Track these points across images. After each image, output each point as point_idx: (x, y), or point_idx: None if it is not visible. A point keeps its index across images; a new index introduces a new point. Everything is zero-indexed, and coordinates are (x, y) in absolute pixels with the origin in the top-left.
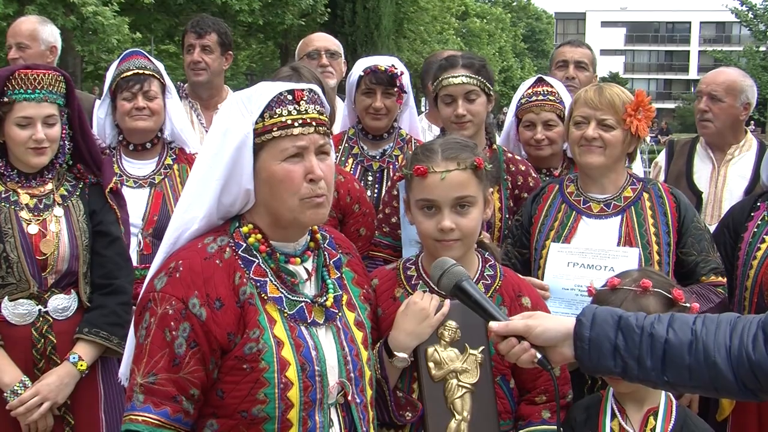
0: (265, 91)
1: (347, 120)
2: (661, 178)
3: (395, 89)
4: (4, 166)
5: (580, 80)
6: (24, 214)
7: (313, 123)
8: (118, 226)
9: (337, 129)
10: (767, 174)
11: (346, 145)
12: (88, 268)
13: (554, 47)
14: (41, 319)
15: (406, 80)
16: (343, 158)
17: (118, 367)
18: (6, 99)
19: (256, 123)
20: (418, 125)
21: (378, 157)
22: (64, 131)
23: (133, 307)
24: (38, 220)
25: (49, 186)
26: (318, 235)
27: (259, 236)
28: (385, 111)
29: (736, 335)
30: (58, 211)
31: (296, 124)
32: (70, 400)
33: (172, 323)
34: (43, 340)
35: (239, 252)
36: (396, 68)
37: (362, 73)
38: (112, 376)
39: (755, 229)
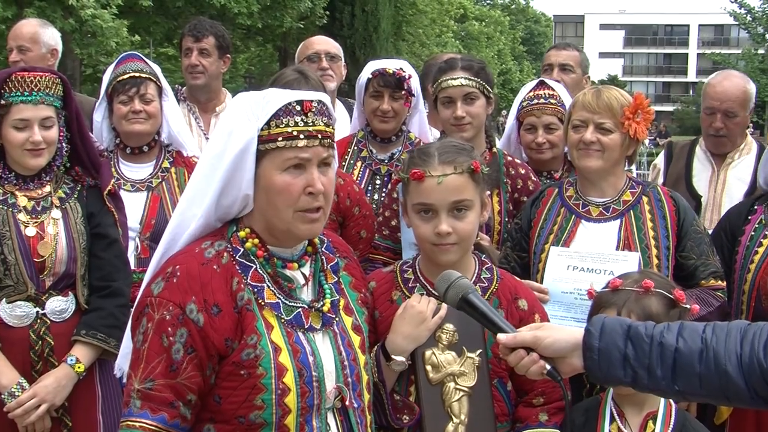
0: (275, 98)
1: (357, 122)
2: (660, 180)
3: (403, 92)
4: (2, 169)
5: (566, 83)
6: (22, 217)
7: (319, 135)
8: (116, 228)
9: (338, 131)
10: (764, 177)
11: (355, 148)
12: (86, 271)
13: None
14: (39, 321)
15: (414, 83)
16: (351, 161)
17: None
18: (3, 101)
19: (262, 130)
20: (427, 129)
21: (386, 161)
22: (61, 134)
23: (131, 310)
24: (36, 222)
25: (47, 188)
26: (315, 240)
27: (256, 241)
28: (392, 114)
29: (746, 343)
30: (56, 213)
31: (302, 136)
32: (68, 402)
33: (169, 329)
34: (40, 342)
35: (237, 257)
36: (404, 71)
37: (370, 76)
38: (109, 378)
39: (752, 233)
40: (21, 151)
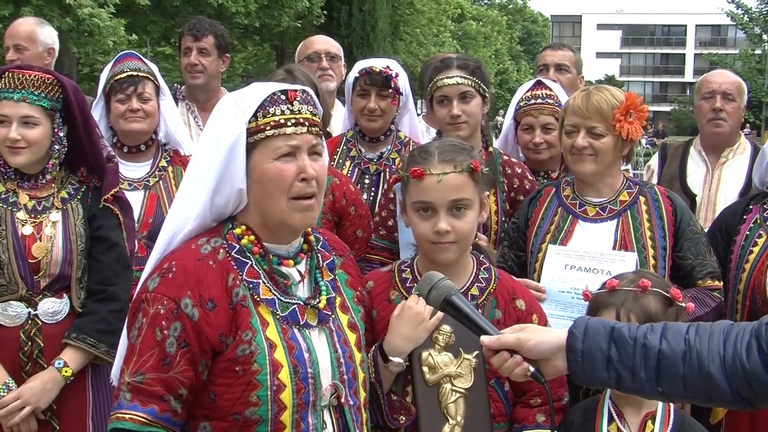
0: (259, 91)
1: (347, 122)
2: (654, 181)
3: (390, 90)
4: (3, 164)
5: (562, 83)
6: (20, 215)
7: (306, 123)
8: (119, 231)
9: (337, 131)
10: (759, 177)
11: (344, 147)
12: (84, 273)
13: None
14: (30, 321)
15: (402, 82)
16: (340, 161)
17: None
18: None
19: (249, 122)
20: (418, 128)
21: (375, 160)
22: (55, 135)
23: None
24: (34, 222)
25: (51, 189)
26: (311, 237)
27: (252, 237)
28: (379, 112)
29: (729, 344)
30: (55, 215)
31: (289, 123)
32: (57, 405)
33: (163, 322)
34: (30, 343)
35: (232, 253)
36: (391, 69)
37: (358, 75)
38: (102, 384)
39: (747, 232)
40: (3, 147)
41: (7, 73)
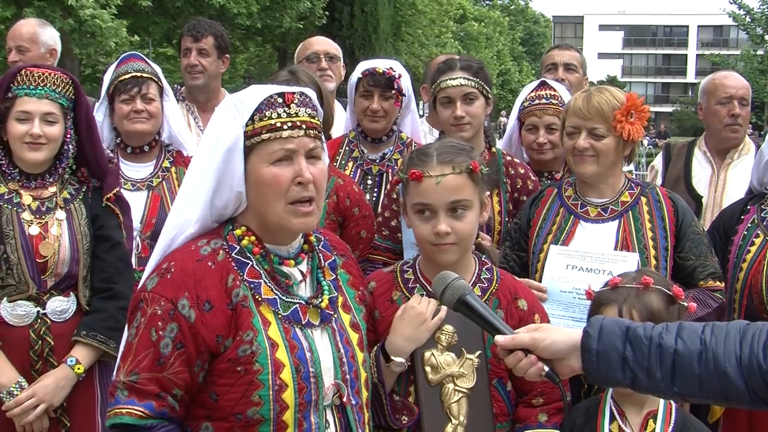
0: (256, 93)
1: (349, 123)
2: (658, 181)
3: (393, 92)
4: (7, 164)
5: (570, 82)
6: (26, 216)
7: (303, 126)
8: (120, 230)
9: (338, 132)
10: (757, 178)
11: (347, 148)
12: (89, 272)
13: (544, 52)
14: (39, 320)
15: (405, 83)
16: (343, 161)
17: None
18: (10, 95)
19: (247, 126)
20: (420, 129)
21: (378, 161)
22: (68, 135)
23: None
24: (40, 222)
25: (53, 189)
26: (312, 237)
27: (253, 238)
28: (382, 113)
29: (746, 343)
30: (60, 214)
31: (285, 126)
32: (67, 403)
33: (159, 323)
34: (40, 341)
35: (233, 254)
36: (394, 71)
37: (361, 76)
38: (109, 379)
39: (745, 233)
40: (20, 143)
41: (24, 70)
